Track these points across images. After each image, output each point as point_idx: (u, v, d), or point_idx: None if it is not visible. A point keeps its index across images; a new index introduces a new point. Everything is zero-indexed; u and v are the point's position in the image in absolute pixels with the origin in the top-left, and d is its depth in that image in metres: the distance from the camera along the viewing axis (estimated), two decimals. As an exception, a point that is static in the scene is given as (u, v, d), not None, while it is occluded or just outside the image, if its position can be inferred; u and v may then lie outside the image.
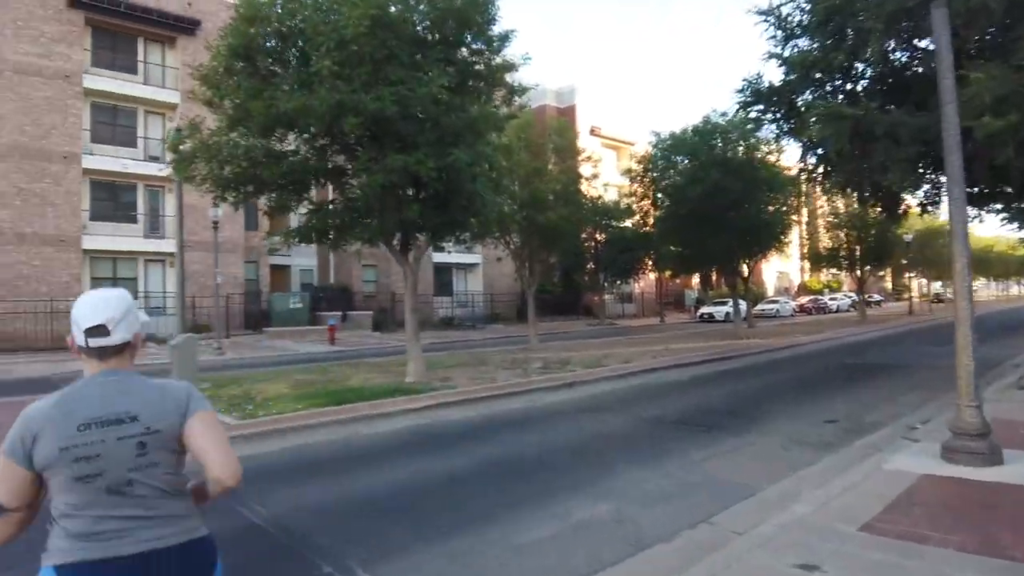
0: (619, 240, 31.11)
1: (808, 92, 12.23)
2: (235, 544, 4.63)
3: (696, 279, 45.21)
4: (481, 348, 21.47)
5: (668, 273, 35.28)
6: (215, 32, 11.94)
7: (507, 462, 6.84)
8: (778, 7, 11.78)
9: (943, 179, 12.75)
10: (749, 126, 19.52)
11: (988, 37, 9.87)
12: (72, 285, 23.99)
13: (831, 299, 51.37)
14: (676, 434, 7.93)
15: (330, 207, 12.76)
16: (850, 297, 52.15)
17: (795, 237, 35.07)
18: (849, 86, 12.24)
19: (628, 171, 29.03)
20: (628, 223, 30.54)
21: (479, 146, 11.76)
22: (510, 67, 12.53)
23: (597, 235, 31.46)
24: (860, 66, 12.07)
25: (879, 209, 14.70)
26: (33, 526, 1.82)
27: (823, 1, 10.27)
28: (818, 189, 30.27)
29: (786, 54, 12.17)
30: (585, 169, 25.31)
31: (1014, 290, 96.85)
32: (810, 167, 13.25)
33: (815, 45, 11.74)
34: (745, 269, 28.51)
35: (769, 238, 25.76)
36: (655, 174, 26.42)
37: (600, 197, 27.97)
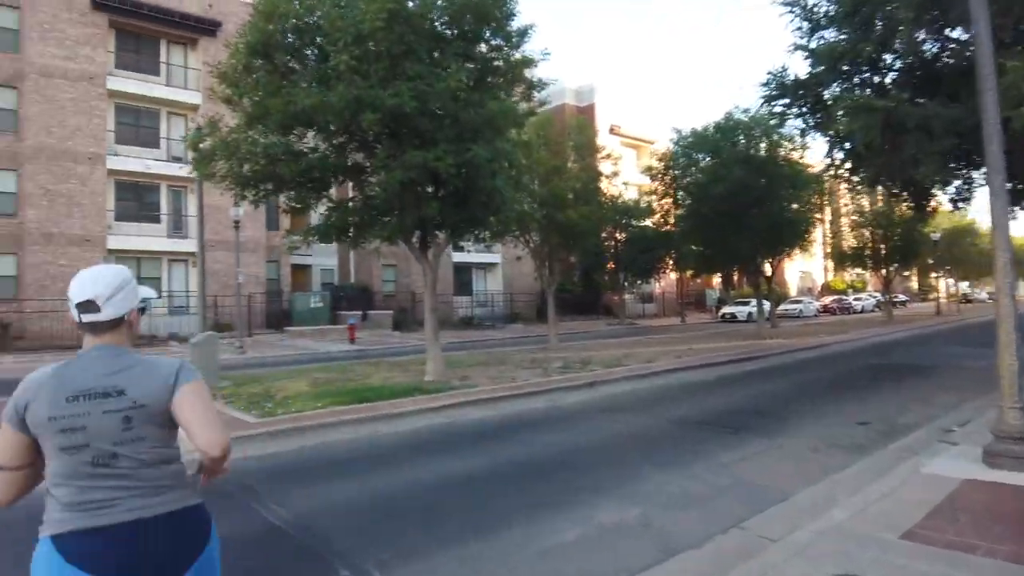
0: (640, 239, 30.80)
1: (835, 85, 11.94)
2: (253, 545, 4.54)
3: (717, 279, 44.70)
4: (501, 347, 21.34)
5: (689, 273, 34.86)
6: (235, 33, 11.93)
7: (528, 463, 6.68)
8: (804, -3, 11.48)
9: (975, 174, 12.41)
10: (773, 121, 19.22)
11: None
12: (96, 285, 24.18)
13: (855, 299, 50.53)
14: (702, 435, 7.72)
15: (349, 205, 12.70)
16: (875, 297, 51.26)
17: (818, 236, 34.40)
18: (877, 78, 11.93)
19: (649, 169, 28.72)
20: (648, 222, 30.24)
21: (498, 143, 11.62)
22: (529, 62, 12.36)
23: (617, 234, 31.18)
24: (888, 57, 11.75)
25: (909, 205, 14.35)
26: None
27: (852, -10, 9.98)
28: (843, 185, 29.83)
29: (812, 46, 11.90)
30: (605, 167, 25.06)
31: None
32: (837, 162, 12.95)
33: (842, 36, 11.45)
34: (768, 268, 28.07)
35: (793, 236, 25.32)
36: (676, 172, 26.11)
37: (620, 196, 27.68)
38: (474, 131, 11.15)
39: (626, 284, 35.05)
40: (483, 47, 12.11)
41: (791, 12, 11.92)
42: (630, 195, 31.56)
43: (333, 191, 13.23)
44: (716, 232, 23.96)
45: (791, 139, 22.50)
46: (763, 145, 23.52)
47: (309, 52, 11.42)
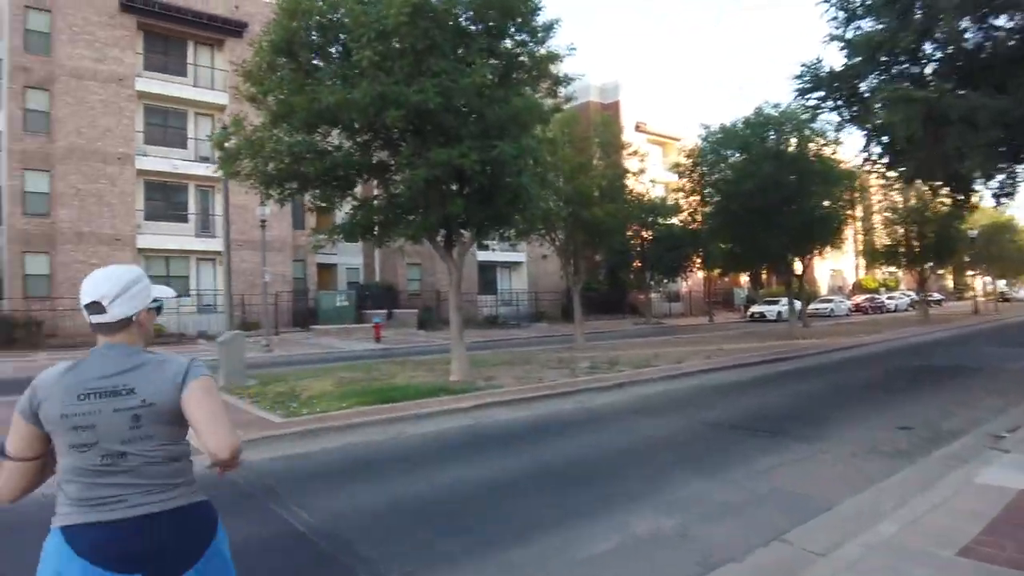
0: (666, 237, 30.41)
1: (872, 76, 11.56)
2: (274, 550, 4.42)
3: (745, 277, 44.04)
4: (526, 347, 21.17)
5: (717, 271, 34.35)
6: (260, 32, 11.92)
7: (559, 468, 6.48)
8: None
9: (1019, 168, 11.93)
10: (805, 115, 18.76)
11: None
12: (127, 284, 24.58)
13: (888, 298, 49.42)
14: (738, 440, 7.46)
15: (374, 203, 12.62)
16: (908, 296, 50.11)
17: (850, 233, 33.66)
18: (915, 69, 11.53)
19: (676, 166, 28.31)
20: (675, 220, 29.82)
21: (524, 139, 11.44)
22: (554, 58, 12.13)
23: (643, 232, 30.81)
24: (929, 47, 11.34)
25: (951, 200, 13.87)
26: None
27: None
28: (876, 181, 29.09)
29: (849, 36, 11.54)
30: (632, 164, 24.75)
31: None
32: (874, 157, 12.56)
33: (880, 26, 11.07)
34: (799, 266, 27.51)
35: (824, 234, 24.75)
36: (704, 169, 25.68)
37: (646, 193, 27.32)
38: (499, 128, 10.98)
39: (652, 283, 34.66)
40: (508, 42, 11.94)
41: (826, 1, 11.56)
42: (656, 192, 31.16)
43: (358, 189, 13.16)
44: (745, 229, 23.51)
45: (823, 134, 21.98)
46: (793, 140, 23.01)
47: (333, 49, 11.35)
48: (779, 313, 35.73)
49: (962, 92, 9.97)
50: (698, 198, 27.20)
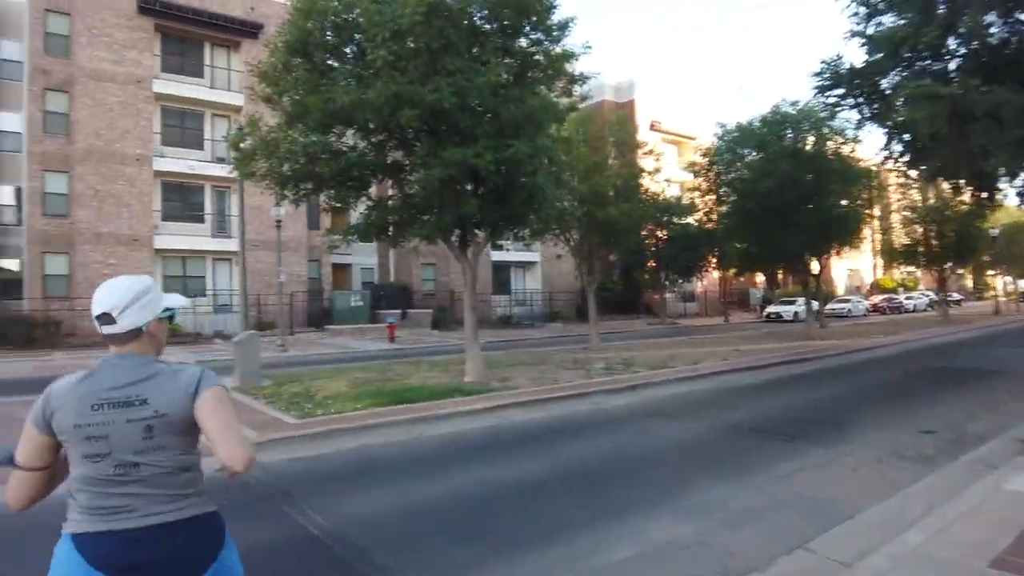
0: (682, 237, 30.19)
1: (895, 73, 11.35)
2: (287, 554, 4.38)
3: (761, 277, 43.63)
4: (540, 347, 21.08)
5: (732, 271, 34.07)
6: (275, 33, 11.94)
7: (575, 471, 6.40)
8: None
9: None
10: (823, 113, 18.50)
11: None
12: (144, 283, 24.82)
13: (907, 298, 48.76)
14: (756, 444, 7.33)
15: (388, 203, 12.60)
16: (927, 296, 49.43)
17: (868, 232, 33.19)
18: (938, 65, 11.30)
19: (692, 164, 28.08)
20: (691, 219, 29.60)
21: (539, 138, 11.35)
22: (570, 56, 12.04)
23: (658, 232, 30.61)
24: (952, 43, 11.12)
25: (975, 198, 13.59)
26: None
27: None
28: (892, 178, 28.68)
29: (870, 32, 11.33)
30: (647, 163, 24.58)
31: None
32: (895, 155, 12.34)
33: (902, 22, 10.87)
34: (816, 266, 27.21)
35: (842, 233, 24.45)
36: (720, 167, 25.45)
37: (661, 193, 27.14)
38: (514, 127, 10.91)
39: (667, 283, 34.43)
40: (523, 41, 11.86)
41: (846, -4, 11.37)
42: (672, 192, 30.94)
43: (373, 190, 13.15)
44: (762, 228, 23.27)
45: (842, 132, 21.70)
46: (811, 139, 22.73)
47: (348, 49, 11.34)
48: (795, 313, 35.36)
49: (987, 88, 9.76)
50: (714, 197, 26.98)
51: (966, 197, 17.89)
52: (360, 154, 11.57)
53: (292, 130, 11.02)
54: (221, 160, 26.80)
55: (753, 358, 15.36)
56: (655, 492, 5.54)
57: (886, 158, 12.25)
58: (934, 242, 33.53)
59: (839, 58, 11.72)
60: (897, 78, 11.09)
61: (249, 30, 28.37)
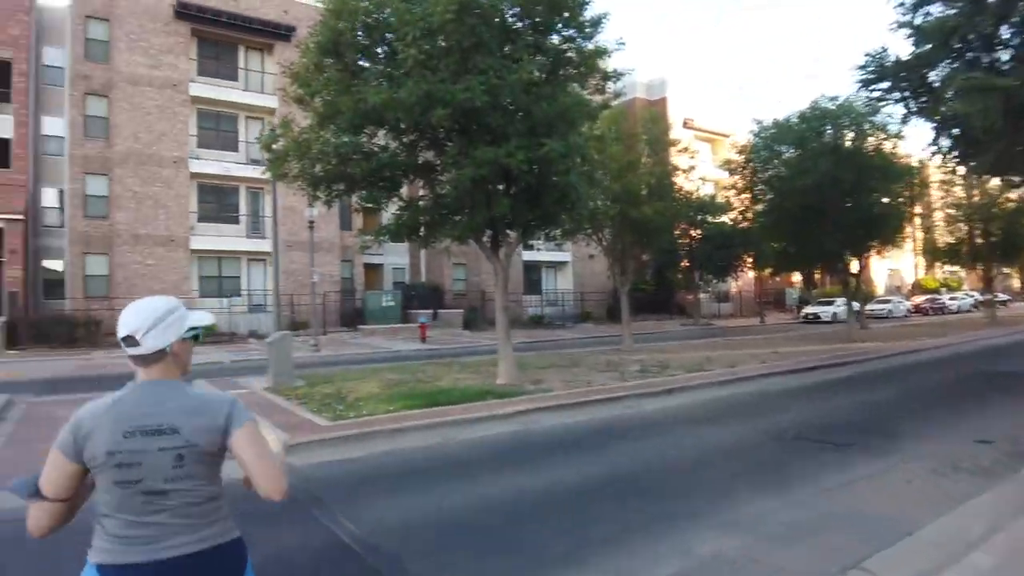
0: (716, 236, 29.67)
1: (944, 64, 10.90)
2: (318, 562, 4.29)
3: (797, 277, 42.72)
4: (572, 348, 20.86)
5: (768, 271, 33.37)
6: (307, 34, 11.95)
7: (612, 479, 6.19)
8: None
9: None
10: (866, 108, 17.93)
11: None
12: (181, 284, 25.29)
13: (951, 299, 47.26)
14: (803, 452, 7.04)
15: (420, 204, 12.53)
16: (972, 296, 47.87)
17: (909, 231, 32.25)
18: (990, 57, 10.82)
19: (727, 162, 27.57)
20: (726, 218, 29.07)
21: (572, 137, 11.16)
22: (602, 52, 11.81)
23: (692, 231, 30.13)
24: (1006, 33, 10.63)
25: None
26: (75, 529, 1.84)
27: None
28: (935, 175, 27.74)
29: (917, 22, 10.90)
30: (682, 161, 24.19)
31: None
32: (943, 150, 11.87)
33: (952, 11, 10.42)
34: (856, 266, 26.47)
35: (884, 231, 23.74)
36: (757, 165, 24.92)
37: (695, 191, 26.71)
38: (547, 125, 10.74)
39: (701, 283, 33.90)
40: (555, 38, 11.69)
41: (892, -14, 10.96)
42: (706, 190, 30.43)
43: (404, 190, 13.10)
44: (799, 227, 22.73)
45: (884, 127, 21.05)
46: (851, 135, 22.10)
47: (379, 49, 11.29)
48: (834, 314, 34.48)
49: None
50: (749, 195, 26.44)
51: (1014, 194, 17.19)
52: (391, 154, 11.52)
53: (324, 131, 11.02)
54: (255, 162, 27.09)
55: (793, 361, 14.94)
56: (697, 503, 5.32)
57: (934, 153, 11.79)
58: (979, 241, 32.41)
59: (884, 50, 11.30)
60: (947, 70, 10.65)
61: (282, 33, 28.67)
